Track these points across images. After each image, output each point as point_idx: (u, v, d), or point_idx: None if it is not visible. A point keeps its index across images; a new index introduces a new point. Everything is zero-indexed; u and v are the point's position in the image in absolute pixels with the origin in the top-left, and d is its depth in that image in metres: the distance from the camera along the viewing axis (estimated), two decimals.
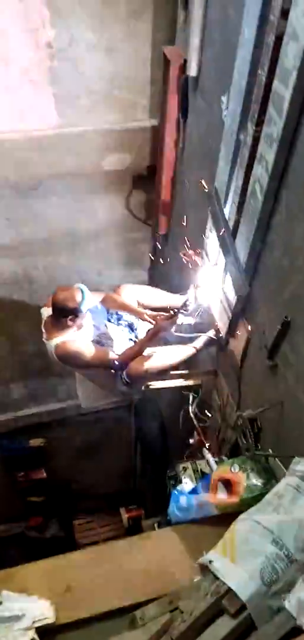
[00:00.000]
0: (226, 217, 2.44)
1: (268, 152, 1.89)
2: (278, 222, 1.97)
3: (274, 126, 1.80)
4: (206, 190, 2.63)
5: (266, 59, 1.82)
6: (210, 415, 3.07)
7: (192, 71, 2.70)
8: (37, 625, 2.02)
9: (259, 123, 1.95)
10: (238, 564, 1.67)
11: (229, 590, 1.63)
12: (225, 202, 2.44)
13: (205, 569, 1.80)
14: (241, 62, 2.04)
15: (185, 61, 2.78)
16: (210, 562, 1.75)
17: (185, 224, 3.03)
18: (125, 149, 3.55)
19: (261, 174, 1.97)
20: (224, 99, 2.31)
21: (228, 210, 2.41)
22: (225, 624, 1.59)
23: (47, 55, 3.06)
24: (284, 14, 1.66)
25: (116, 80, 3.25)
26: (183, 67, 2.86)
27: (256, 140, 2.01)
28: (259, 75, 1.90)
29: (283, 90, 1.70)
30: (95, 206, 4.00)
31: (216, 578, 1.70)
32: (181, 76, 2.91)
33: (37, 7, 2.85)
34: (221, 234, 2.42)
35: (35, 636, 1.99)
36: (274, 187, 1.92)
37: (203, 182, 2.64)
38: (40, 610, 2.08)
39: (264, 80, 1.86)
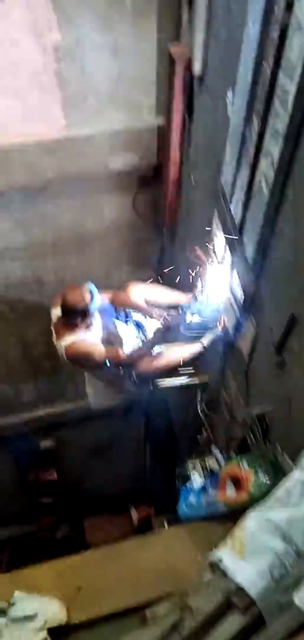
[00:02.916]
0: (233, 214, 2.43)
1: (273, 147, 1.88)
2: (285, 217, 1.96)
3: (280, 120, 1.79)
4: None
5: (271, 53, 1.82)
6: (217, 413, 3.06)
7: (197, 69, 2.70)
8: (49, 625, 2.04)
9: (265, 117, 1.94)
10: (247, 560, 1.67)
11: (238, 587, 1.63)
12: (231, 199, 2.43)
13: (214, 566, 1.80)
14: (246, 57, 2.03)
15: (190, 59, 2.78)
16: (219, 559, 1.74)
17: (191, 222, 3.02)
18: (131, 149, 3.56)
19: (266, 169, 1.96)
20: (229, 94, 2.30)
21: (234, 207, 2.41)
22: (234, 621, 1.59)
23: (54, 58, 3.08)
24: (289, 6, 1.65)
25: (122, 80, 3.26)
26: (189, 65, 2.86)
27: (261, 135, 2.00)
28: (264, 70, 1.90)
29: (288, 84, 1.70)
30: (103, 207, 4.02)
31: (226, 575, 1.70)
32: (187, 74, 2.91)
33: (43, 10, 2.87)
34: (227, 231, 2.41)
35: (48, 636, 2.01)
36: (280, 181, 1.91)
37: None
38: (52, 610, 2.09)
39: (269, 74, 1.85)
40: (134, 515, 5.44)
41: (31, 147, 3.40)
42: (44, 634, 2.02)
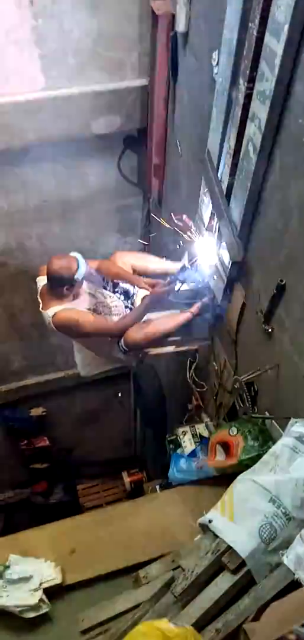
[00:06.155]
0: (220, 179, 2.39)
1: (260, 110, 1.83)
2: (272, 182, 1.94)
3: (267, 82, 1.75)
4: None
5: (257, 12, 1.75)
6: (207, 381, 3.09)
7: (181, 26, 2.59)
8: (44, 586, 2.10)
9: (251, 80, 1.88)
10: (237, 522, 1.72)
11: (229, 548, 1.69)
12: (218, 164, 2.39)
13: (205, 529, 1.86)
14: (231, 16, 1.96)
15: (174, 16, 2.67)
16: (210, 521, 1.80)
17: (178, 187, 2.97)
18: (114, 110, 3.45)
19: (254, 132, 1.92)
20: (215, 55, 2.23)
21: (221, 172, 2.36)
22: (225, 580, 1.66)
23: (30, 14, 2.93)
24: None
25: (103, 38, 3.12)
26: (172, 23, 2.75)
27: (248, 97, 1.94)
28: (250, 29, 1.83)
29: (275, 45, 1.64)
30: (87, 172, 3.92)
31: (216, 537, 1.76)
32: (170, 32, 2.80)
33: None
34: (214, 197, 2.37)
35: (43, 596, 2.07)
36: (267, 146, 1.88)
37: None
38: (47, 572, 2.15)
39: (255, 34, 1.78)
40: (126, 480, 5.55)
41: (9, 108, 3.26)
42: (40, 593, 2.08)
